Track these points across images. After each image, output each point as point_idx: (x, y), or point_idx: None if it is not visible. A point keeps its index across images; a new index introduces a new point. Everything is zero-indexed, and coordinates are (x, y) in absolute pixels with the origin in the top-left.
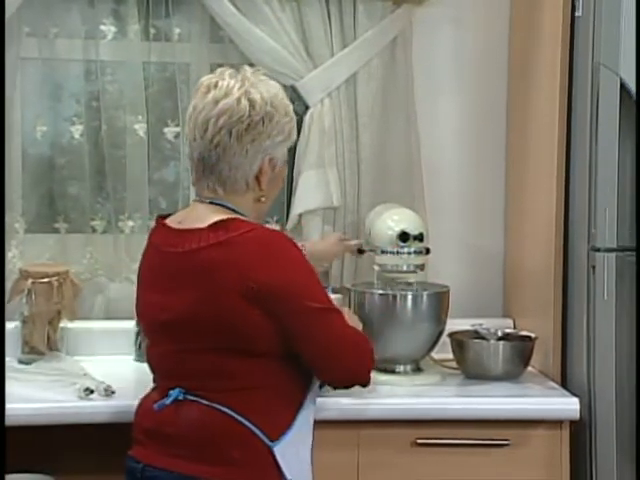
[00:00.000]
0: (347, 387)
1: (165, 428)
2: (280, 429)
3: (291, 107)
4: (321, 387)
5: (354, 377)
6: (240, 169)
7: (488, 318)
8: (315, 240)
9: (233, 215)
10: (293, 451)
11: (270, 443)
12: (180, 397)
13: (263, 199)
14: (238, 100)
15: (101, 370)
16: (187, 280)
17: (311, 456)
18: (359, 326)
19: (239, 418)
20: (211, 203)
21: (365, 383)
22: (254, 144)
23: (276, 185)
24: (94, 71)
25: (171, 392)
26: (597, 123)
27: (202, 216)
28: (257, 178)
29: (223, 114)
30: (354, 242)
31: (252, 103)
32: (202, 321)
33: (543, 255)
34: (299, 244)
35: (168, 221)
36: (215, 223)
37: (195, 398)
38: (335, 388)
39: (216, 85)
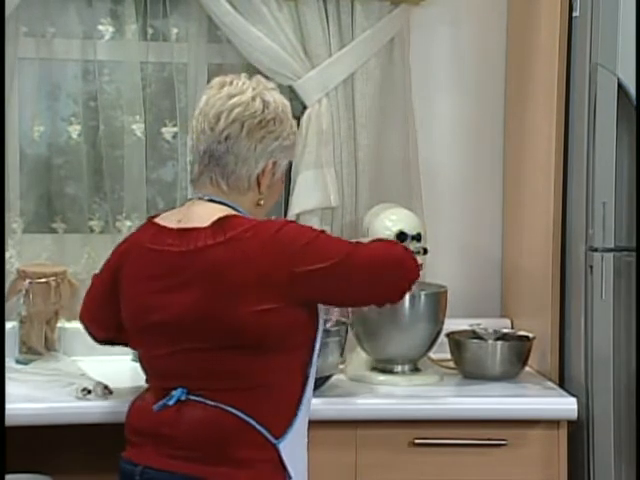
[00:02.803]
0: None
1: (164, 429)
2: (284, 426)
3: (295, 125)
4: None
5: (407, 283)
6: (246, 164)
7: (486, 318)
8: None
9: (233, 212)
10: (294, 448)
11: (275, 441)
12: (183, 397)
13: (262, 202)
14: (252, 98)
15: (98, 370)
16: (191, 279)
17: (307, 454)
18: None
19: (245, 417)
20: (210, 201)
21: (416, 277)
22: (263, 142)
23: (274, 192)
24: (92, 71)
25: (173, 392)
26: (595, 123)
27: (203, 215)
28: (258, 179)
29: (237, 107)
30: None
31: (266, 103)
32: (208, 320)
33: (541, 255)
34: None
35: (160, 220)
36: (217, 220)
37: (198, 398)
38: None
39: (231, 83)
